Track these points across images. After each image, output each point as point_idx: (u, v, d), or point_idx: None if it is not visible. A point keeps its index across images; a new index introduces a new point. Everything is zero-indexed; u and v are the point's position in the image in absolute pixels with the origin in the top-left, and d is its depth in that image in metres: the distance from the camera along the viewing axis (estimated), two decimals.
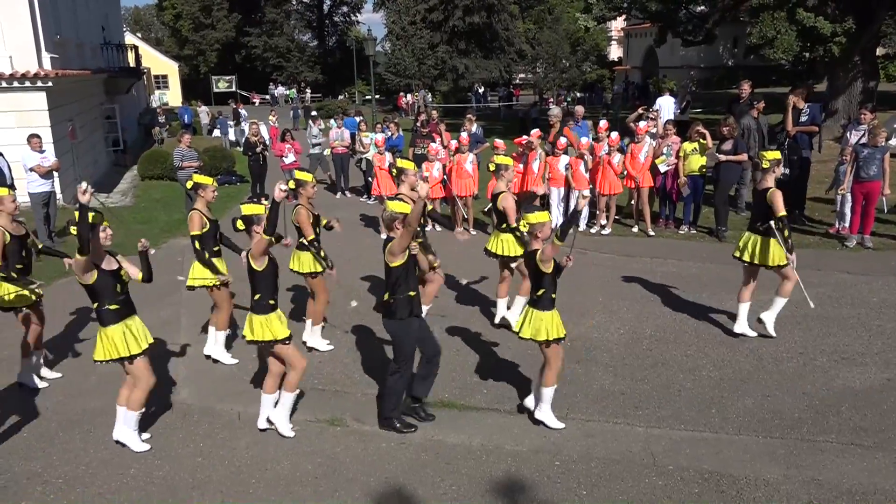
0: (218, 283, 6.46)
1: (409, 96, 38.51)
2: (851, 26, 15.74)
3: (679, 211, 11.15)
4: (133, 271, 5.25)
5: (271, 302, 5.14)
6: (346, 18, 58.20)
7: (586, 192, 5.44)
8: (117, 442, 5.20)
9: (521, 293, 6.99)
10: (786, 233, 6.41)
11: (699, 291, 8.21)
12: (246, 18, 53.18)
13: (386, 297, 5.22)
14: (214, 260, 6.50)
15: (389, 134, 14.03)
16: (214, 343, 6.69)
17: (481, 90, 40.64)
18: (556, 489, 4.60)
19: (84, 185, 4.74)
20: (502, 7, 40.46)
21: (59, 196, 12.75)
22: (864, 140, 9.71)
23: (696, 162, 10.46)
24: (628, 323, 7.40)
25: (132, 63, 27.29)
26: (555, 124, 11.74)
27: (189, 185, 6.69)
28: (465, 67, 40.24)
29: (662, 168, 10.72)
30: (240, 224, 5.25)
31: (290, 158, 14.34)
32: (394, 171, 7.47)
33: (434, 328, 6.26)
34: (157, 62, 47.47)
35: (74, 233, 4.95)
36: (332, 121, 17.52)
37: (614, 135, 10.78)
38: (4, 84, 13.68)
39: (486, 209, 7.52)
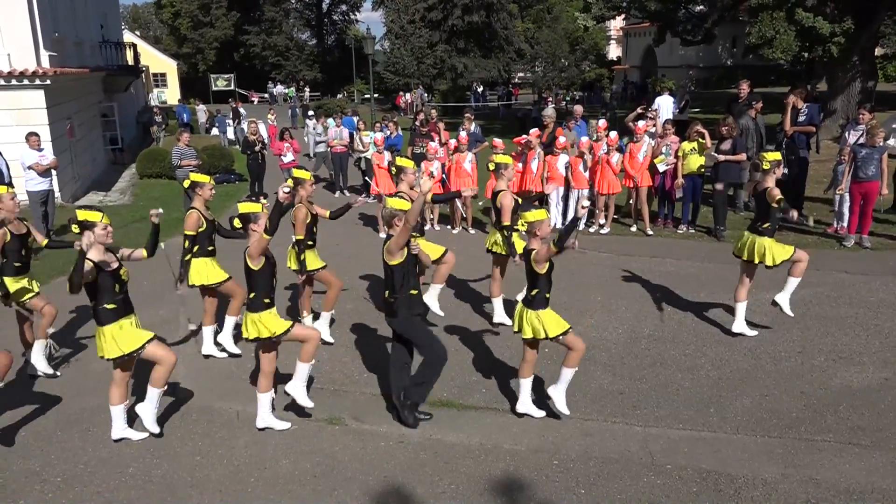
0: (215, 283, 6.49)
1: (407, 95, 38.50)
2: (850, 26, 15.75)
3: (678, 210, 11.16)
4: (138, 253, 5.39)
5: (266, 300, 5.15)
6: (345, 17, 58.13)
7: (586, 203, 5.41)
8: (116, 441, 5.21)
9: (493, 294, 6.95)
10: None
11: (697, 291, 8.22)
12: (245, 17, 53.11)
13: (386, 295, 5.23)
14: (208, 259, 6.51)
15: (388, 133, 14.03)
16: (220, 334, 6.71)
17: (480, 89, 40.63)
18: (554, 488, 4.60)
19: (84, 242, 4.82)
20: (501, 6, 40.45)
21: (57, 194, 12.74)
22: (862, 140, 9.72)
23: (695, 161, 10.47)
24: (627, 322, 7.41)
25: (131, 61, 27.23)
26: (548, 125, 11.75)
27: (186, 183, 6.69)
28: (463, 66, 40.23)
29: (661, 167, 10.73)
30: (237, 222, 5.24)
31: (288, 157, 14.34)
32: (393, 169, 7.47)
33: (433, 327, 6.28)
34: (155, 60, 47.41)
35: (76, 231, 4.96)
36: (330, 120, 17.52)
37: (613, 134, 10.79)
38: (2, 82, 13.67)
39: (481, 203, 7.51)
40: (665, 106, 15.09)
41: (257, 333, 5.12)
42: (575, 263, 9.19)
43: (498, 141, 10.78)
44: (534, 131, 11.06)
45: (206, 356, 6.73)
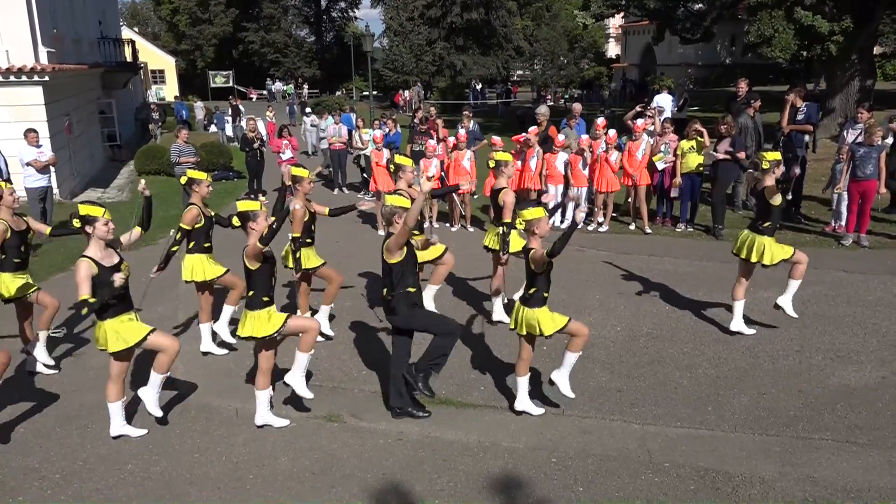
0: (213, 277, 6.49)
1: (406, 93, 38.48)
2: (849, 25, 15.74)
3: (676, 209, 11.17)
4: (135, 233, 5.52)
5: (265, 299, 5.13)
6: (344, 14, 58.07)
7: (583, 212, 5.34)
8: (115, 438, 5.22)
9: (493, 292, 6.96)
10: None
11: (696, 289, 8.23)
12: (243, 13, 53.05)
13: (385, 293, 5.23)
14: (205, 255, 6.50)
15: (387, 130, 14.03)
16: (219, 324, 6.71)
17: (479, 87, 40.61)
18: (552, 485, 4.61)
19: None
20: (500, 3, 40.35)
21: (55, 191, 12.73)
22: (860, 139, 9.73)
23: (694, 160, 10.48)
24: (625, 320, 7.42)
25: (129, 58, 27.21)
26: (542, 122, 11.75)
27: (183, 180, 6.69)
28: (462, 64, 40.16)
29: (660, 166, 10.74)
30: (236, 221, 5.22)
31: (287, 154, 14.32)
32: (391, 167, 7.47)
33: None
34: (154, 57, 47.34)
35: (77, 225, 4.96)
36: (329, 117, 17.51)
37: (612, 132, 10.78)
38: (1, 78, 13.64)
39: (476, 197, 7.49)
40: (664, 104, 15.06)
41: (252, 332, 5.11)
42: (573, 261, 9.19)
43: (497, 139, 10.78)
44: (533, 129, 11.06)
45: (205, 353, 6.73)
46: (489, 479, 4.70)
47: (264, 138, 15.59)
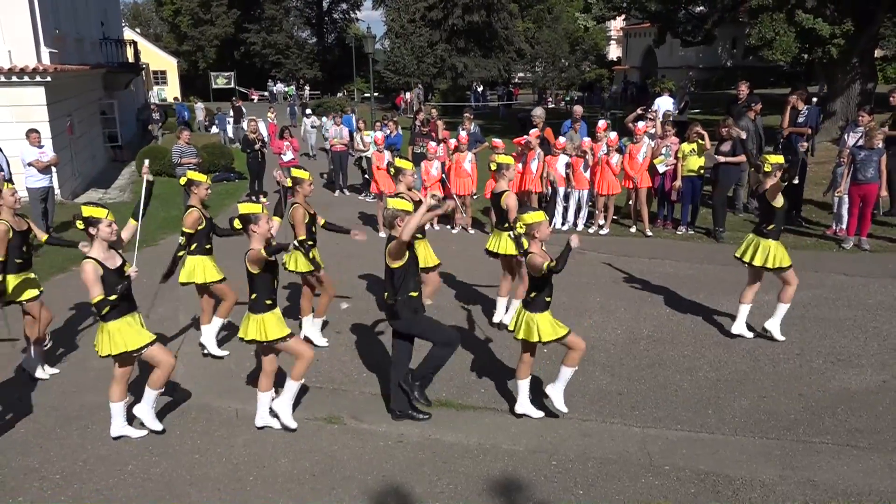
0: (210, 281, 6.50)
1: (407, 95, 38.52)
2: (850, 28, 15.75)
3: (677, 211, 11.17)
4: (130, 226, 5.43)
5: (268, 302, 5.12)
6: (346, 16, 58.16)
7: (575, 242, 5.15)
8: (115, 438, 5.21)
9: (517, 296, 6.97)
10: None
11: (696, 292, 8.23)
12: (245, 15, 53.09)
13: (387, 297, 5.23)
14: (205, 258, 6.51)
15: (388, 132, 14.03)
16: (207, 334, 6.71)
17: (480, 89, 40.65)
18: (552, 488, 4.61)
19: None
20: (501, 6, 40.44)
21: (57, 191, 12.74)
22: (861, 142, 9.73)
23: (695, 163, 10.48)
24: (626, 323, 7.42)
25: (131, 58, 27.22)
26: (538, 125, 11.75)
27: (182, 181, 6.69)
28: (464, 66, 40.23)
29: (661, 168, 10.74)
30: (237, 223, 5.21)
31: (288, 156, 14.32)
32: (392, 170, 7.47)
33: None
34: (155, 58, 47.36)
35: (80, 226, 4.96)
36: (326, 119, 17.52)
37: (613, 135, 10.79)
38: (3, 78, 13.67)
39: (476, 198, 7.45)
40: (664, 107, 15.09)
41: (255, 335, 5.10)
42: (574, 264, 9.14)
43: (498, 141, 10.78)
44: (533, 132, 11.07)
45: (205, 355, 6.73)
46: (489, 481, 4.70)
47: (265, 140, 15.60)
